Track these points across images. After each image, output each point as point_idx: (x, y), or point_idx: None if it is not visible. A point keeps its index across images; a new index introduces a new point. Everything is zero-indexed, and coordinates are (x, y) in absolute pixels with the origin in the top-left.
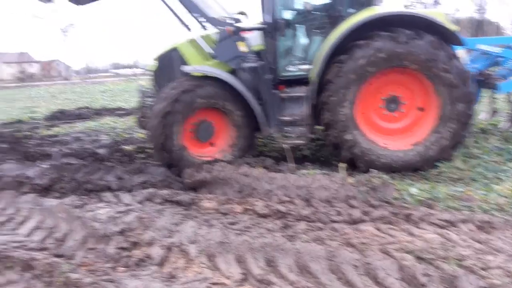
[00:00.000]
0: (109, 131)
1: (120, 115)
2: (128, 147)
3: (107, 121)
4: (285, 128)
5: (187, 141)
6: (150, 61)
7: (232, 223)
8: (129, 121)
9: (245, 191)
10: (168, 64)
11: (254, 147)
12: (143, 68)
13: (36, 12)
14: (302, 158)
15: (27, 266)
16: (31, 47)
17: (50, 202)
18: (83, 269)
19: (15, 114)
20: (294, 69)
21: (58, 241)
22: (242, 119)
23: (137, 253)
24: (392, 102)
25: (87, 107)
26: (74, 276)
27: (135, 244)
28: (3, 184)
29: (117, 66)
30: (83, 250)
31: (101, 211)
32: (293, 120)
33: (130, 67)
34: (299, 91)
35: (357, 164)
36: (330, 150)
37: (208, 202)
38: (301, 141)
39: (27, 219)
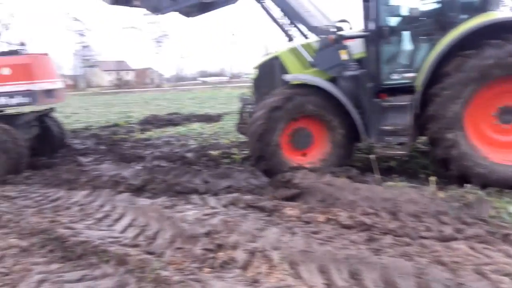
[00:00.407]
0: (197, 136)
1: (207, 121)
2: (214, 152)
3: (195, 126)
4: (386, 138)
5: (285, 147)
6: (235, 69)
7: (315, 232)
8: (215, 127)
9: (328, 201)
10: (269, 72)
11: (350, 157)
12: (228, 76)
13: (135, 24)
14: (388, 170)
15: (121, 261)
16: (128, 56)
17: (143, 201)
18: (172, 267)
19: (112, 118)
20: (397, 77)
21: (149, 239)
22: (340, 128)
23: (222, 255)
24: (508, 114)
25: (176, 113)
26: (164, 273)
27: (220, 247)
28: (102, 183)
29: (204, 74)
30: (171, 249)
31: (189, 212)
32: (395, 130)
33: (216, 75)
34: (403, 100)
35: (449, 166)
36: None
37: (290, 209)
38: (403, 152)
39: (122, 217)
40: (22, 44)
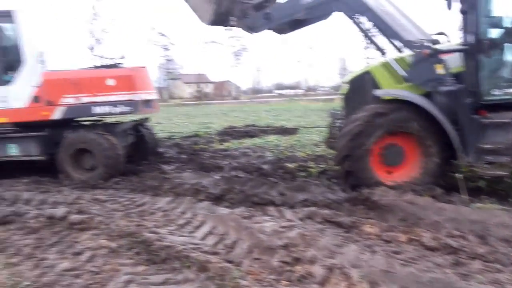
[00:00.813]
0: (273, 148)
1: (283, 134)
2: (290, 165)
3: (271, 138)
4: (486, 157)
5: (374, 163)
6: (311, 82)
7: (396, 252)
8: (291, 140)
9: (409, 220)
10: (360, 87)
11: (444, 176)
12: (304, 89)
13: (215, 38)
14: (476, 190)
15: (202, 267)
16: (208, 69)
17: (222, 210)
18: (250, 277)
19: (193, 129)
20: (500, 93)
21: (228, 247)
22: (435, 145)
23: (299, 269)
24: None
25: (253, 125)
26: (243, 282)
27: (297, 260)
28: (183, 190)
29: (280, 87)
30: (249, 259)
31: (267, 224)
32: (496, 149)
33: (292, 87)
34: (505, 117)
35: None
36: None
37: (369, 227)
38: (504, 172)
39: (202, 224)
40: (122, 57)
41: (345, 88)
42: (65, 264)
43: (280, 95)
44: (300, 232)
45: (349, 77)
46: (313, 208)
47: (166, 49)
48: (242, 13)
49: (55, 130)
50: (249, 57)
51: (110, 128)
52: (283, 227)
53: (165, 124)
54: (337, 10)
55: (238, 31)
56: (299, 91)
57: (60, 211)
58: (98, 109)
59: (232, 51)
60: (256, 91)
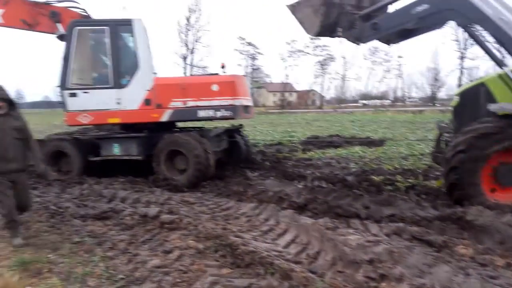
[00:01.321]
0: (358, 160)
1: (369, 145)
2: (376, 178)
3: (356, 150)
4: None
5: (484, 181)
6: (398, 93)
7: (493, 277)
8: (377, 152)
9: (508, 243)
10: (472, 100)
11: None
12: (390, 100)
13: (301, 47)
14: None
15: (286, 275)
16: (293, 77)
17: (305, 220)
18: None
19: (276, 137)
20: None
21: (310, 257)
22: None
23: (385, 286)
24: None
25: (338, 135)
26: None
27: (383, 277)
28: (267, 197)
29: (365, 97)
30: (332, 271)
31: (351, 237)
32: None
33: (378, 98)
34: None
35: None
36: None
37: (463, 248)
38: None
39: (285, 232)
40: (223, 67)
41: (456, 100)
42: (156, 261)
43: (366, 105)
44: (387, 248)
45: (460, 89)
46: (400, 224)
47: (254, 58)
48: (350, 24)
49: (153, 132)
50: (335, 66)
51: (204, 132)
52: (368, 241)
53: (248, 131)
54: (451, 20)
55: (325, 41)
56: (386, 102)
57: (153, 210)
58: (202, 113)
59: (317, 60)
60: (340, 100)
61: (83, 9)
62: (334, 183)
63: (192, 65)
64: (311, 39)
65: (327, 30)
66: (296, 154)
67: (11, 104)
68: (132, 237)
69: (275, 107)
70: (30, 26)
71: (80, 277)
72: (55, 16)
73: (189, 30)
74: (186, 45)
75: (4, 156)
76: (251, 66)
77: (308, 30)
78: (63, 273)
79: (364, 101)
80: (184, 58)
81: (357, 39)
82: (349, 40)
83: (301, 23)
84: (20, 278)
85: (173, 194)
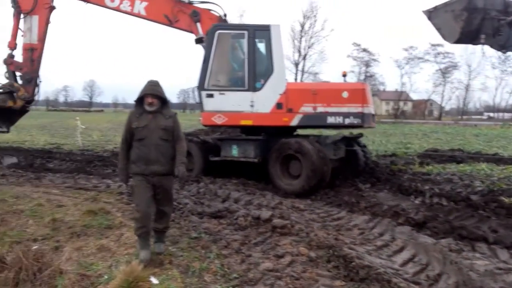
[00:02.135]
0: (484, 178)
1: (497, 163)
2: (506, 199)
3: (482, 167)
4: None
5: None
6: None
7: None
8: (508, 171)
9: None
10: None
11: None
12: None
13: (423, 54)
14: None
15: None
16: (409, 86)
17: (424, 238)
18: None
19: (390, 148)
20: None
21: (430, 279)
22: None
23: None
24: None
25: (460, 149)
26: None
27: None
28: (381, 211)
29: (491, 109)
30: None
31: (478, 262)
32: None
33: (508, 111)
34: None
35: None
36: None
37: None
38: None
39: (402, 249)
40: (345, 75)
41: None
42: (268, 264)
43: (491, 118)
44: None
45: None
46: None
47: (368, 65)
48: (495, 31)
49: (270, 136)
50: (458, 74)
51: (321, 139)
52: (498, 268)
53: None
54: None
55: (448, 47)
56: None
57: (265, 213)
58: (331, 119)
59: (438, 68)
60: (462, 112)
61: (224, 15)
62: (456, 201)
63: (303, 71)
64: (432, 45)
65: (468, 37)
66: (413, 167)
67: (164, 102)
68: (245, 238)
69: (388, 116)
70: (170, 22)
71: (197, 271)
72: (196, 15)
73: (302, 37)
74: (299, 51)
75: (147, 157)
76: (364, 73)
77: (446, 37)
78: (182, 266)
79: (491, 114)
80: (296, 64)
81: (503, 47)
82: (493, 47)
83: (439, 29)
84: (144, 267)
85: (284, 199)
